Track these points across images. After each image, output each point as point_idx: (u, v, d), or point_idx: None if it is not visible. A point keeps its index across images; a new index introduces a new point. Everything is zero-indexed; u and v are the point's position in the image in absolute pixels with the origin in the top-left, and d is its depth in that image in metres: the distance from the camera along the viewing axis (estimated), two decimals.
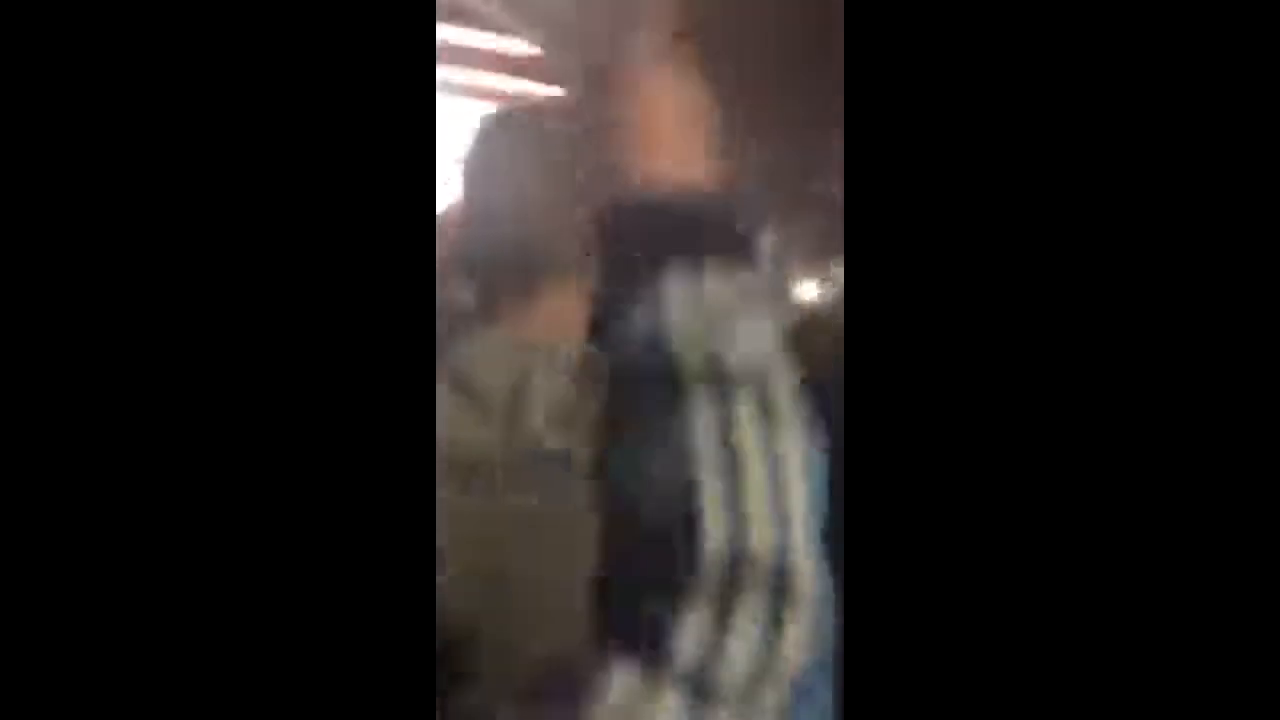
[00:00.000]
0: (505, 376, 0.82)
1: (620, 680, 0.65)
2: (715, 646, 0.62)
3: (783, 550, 0.64)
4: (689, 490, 0.64)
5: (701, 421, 0.65)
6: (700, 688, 0.63)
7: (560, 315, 0.85)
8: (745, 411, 0.67)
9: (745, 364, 0.67)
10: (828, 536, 0.68)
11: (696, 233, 0.70)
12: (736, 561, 0.64)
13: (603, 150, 0.79)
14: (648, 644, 0.64)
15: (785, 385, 0.69)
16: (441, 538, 0.70)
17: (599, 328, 0.75)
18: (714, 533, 0.63)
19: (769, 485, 0.65)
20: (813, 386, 0.89)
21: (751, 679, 0.63)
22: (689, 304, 0.68)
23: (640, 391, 0.68)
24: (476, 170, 0.89)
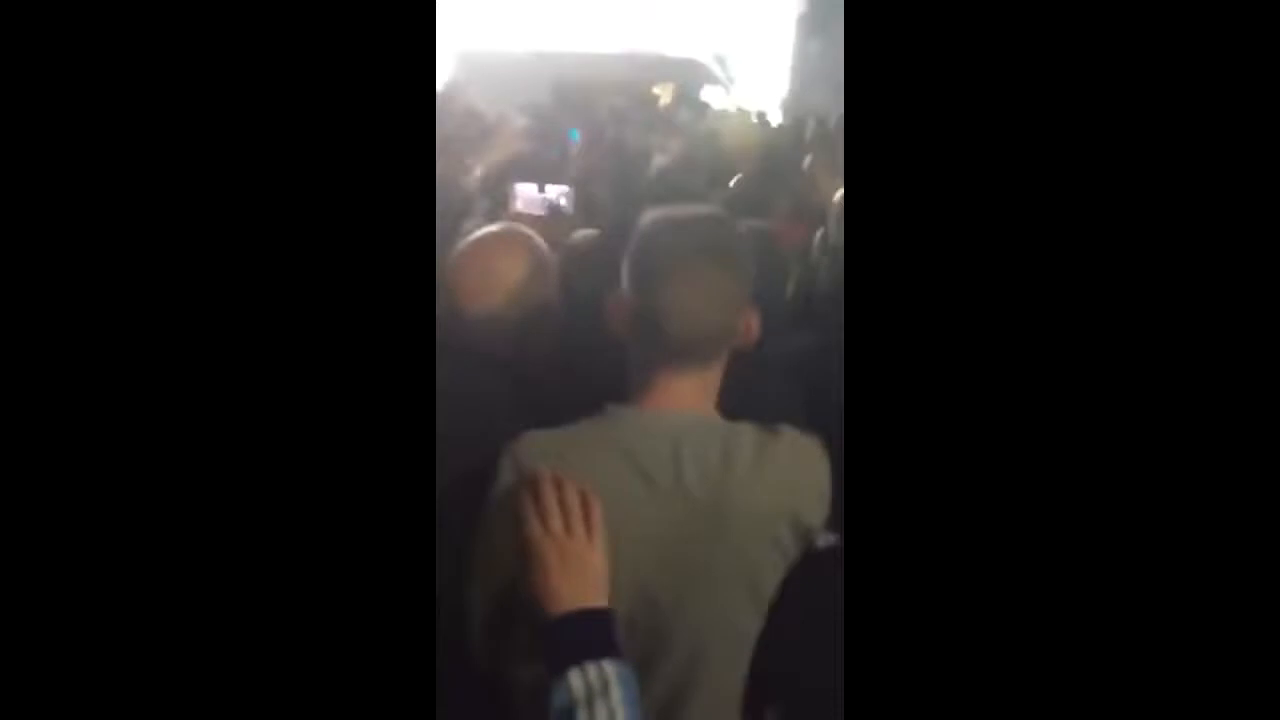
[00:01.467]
0: (666, 445, 1.03)
1: None
2: None
3: None
4: None
5: None
6: None
7: (699, 390, 1.07)
8: None
9: None
10: None
11: None
12: None
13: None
14: None
15: None
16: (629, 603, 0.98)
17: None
18: None
19: None
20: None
21: None
22: None
23: None
24: (642, 267, 1.06)
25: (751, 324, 1.07)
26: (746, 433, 1.05)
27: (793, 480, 1.05)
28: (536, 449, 1.01)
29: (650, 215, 1.09)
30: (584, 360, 1.17)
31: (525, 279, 1.27)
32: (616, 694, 0.82)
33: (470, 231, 1.38)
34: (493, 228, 1.36)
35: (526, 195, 2.09)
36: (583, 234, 1.83)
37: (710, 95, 7.29)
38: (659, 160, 2.89)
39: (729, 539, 1.02)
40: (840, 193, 1.96)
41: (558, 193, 2.10)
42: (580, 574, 0.88)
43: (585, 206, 2.25)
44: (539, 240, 1.33)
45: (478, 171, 2.54)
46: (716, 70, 8.09)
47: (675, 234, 1.06)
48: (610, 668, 0.83)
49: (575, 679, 0.83)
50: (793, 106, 6.28)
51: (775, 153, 3.52)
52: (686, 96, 6.75)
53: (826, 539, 1.05)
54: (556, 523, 0.90)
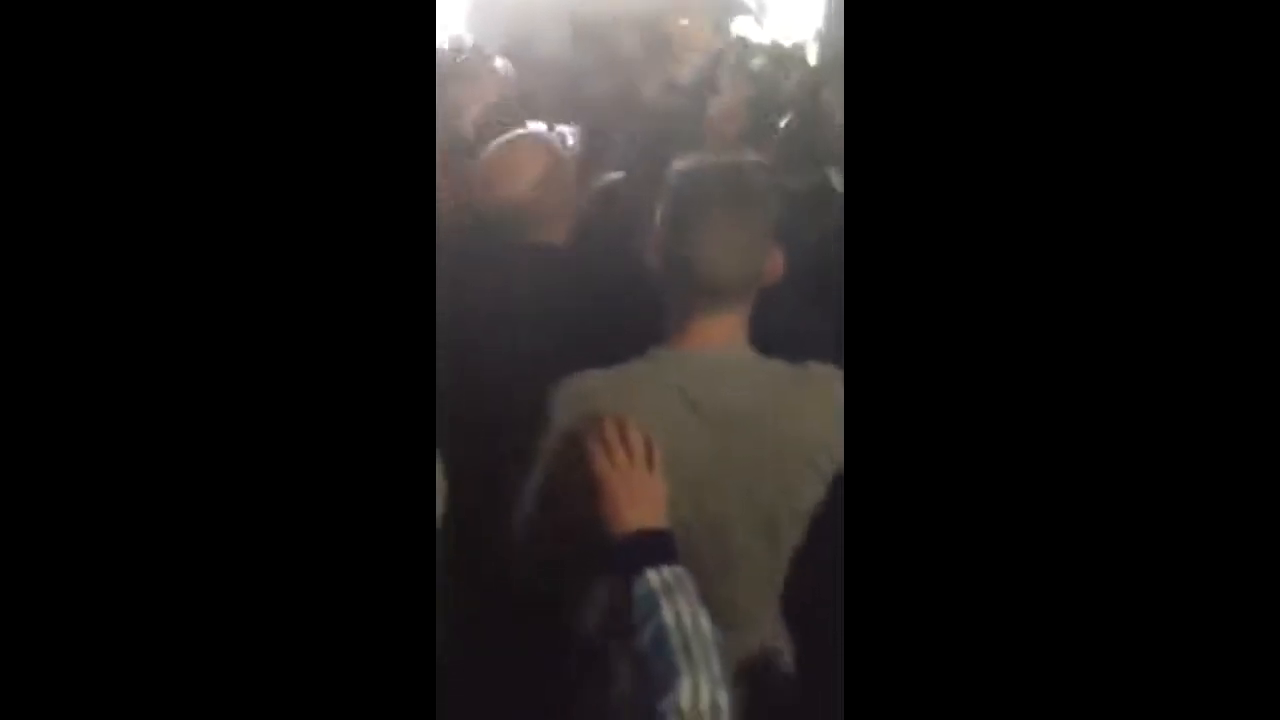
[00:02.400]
0: (710, 381, 1.13)
1: None
2: None
3: None
4: None
5: None
6: None
7: (732, 328, 1.16)
8: None
9: None
10: None
11: None
12: None
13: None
14: None
15: None
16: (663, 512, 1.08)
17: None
18: None
19: None
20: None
21: None
22: None
23: None
24: (674, 216, 1.14)
25: (777, 264, 1.16)
26: (781, 368, 1.18)
27: (825, 411, 1.14)
28: (589, 388, 1.12)
29: (679, 165, 1.17)
30: (611, 302, 1.25)
31: (544, 171, 1.46)
32: (690, 589, 0.97)
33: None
34: (511, 135, 1.55)
35: (535, 133, 2.14)
36: (610, 178, 1.88)
37: (742, 27, 6.99)
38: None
39: (770, 463, 1.15)
40: None
41: (566, 131, 2.27)
42: (643, 502, 1.01)
43: (603, 150, 2.31)
44: (554, 142, 1.55)
45: (473, 112, 2.52)
46: (747, 0, 7.78)
47: (702, 185, 1.15)
48: (681, 570, 0.99)
49: (653, 575, 0.97)
50: (828, 35, 5.98)
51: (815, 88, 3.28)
52: (717, 30, 6.49)
53: None
54: (621, 458, 1.02)
